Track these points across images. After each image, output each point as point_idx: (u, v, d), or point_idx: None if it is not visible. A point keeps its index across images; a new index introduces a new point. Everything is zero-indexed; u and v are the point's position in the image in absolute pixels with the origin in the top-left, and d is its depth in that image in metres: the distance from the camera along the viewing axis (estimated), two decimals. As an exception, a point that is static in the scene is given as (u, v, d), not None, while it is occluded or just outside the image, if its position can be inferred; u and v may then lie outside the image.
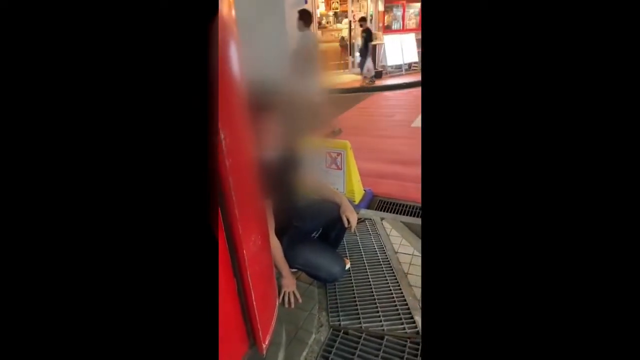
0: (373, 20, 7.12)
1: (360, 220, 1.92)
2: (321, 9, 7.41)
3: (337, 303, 1.37)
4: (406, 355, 1.13)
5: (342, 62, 7.38)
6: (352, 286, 1.46)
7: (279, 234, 1.28)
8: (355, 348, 1.17)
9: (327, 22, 7.68)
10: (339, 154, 2.02)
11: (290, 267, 1.41)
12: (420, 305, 1.34)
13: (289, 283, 1.35)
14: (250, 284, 0.85)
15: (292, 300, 1.34)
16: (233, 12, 0.67)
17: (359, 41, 6.84)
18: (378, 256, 1.64)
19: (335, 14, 7.72)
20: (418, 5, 7.17)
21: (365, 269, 1.56)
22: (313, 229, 1.51)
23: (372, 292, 1.42)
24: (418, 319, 1.27)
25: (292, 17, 3.18)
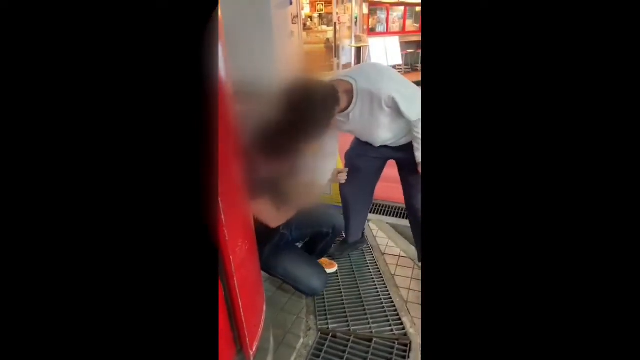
0: (358, 23, 7.16)
1: (347, 222, 1.92)
2: (306, 10, 7.41)
3: (325, 306, 1.36)
4: (394, 357, 1.13)
5: (328, 63, 7.40)
6: (340, 289, 1.46)
7: (264, 240, 1.25)
8: (344, 351, 1.16)
9: (313, 24, 7.68)
10: (325, 156, 2.01)
11: (272, 275, 1.37)
12: (407, 307, 1.35)
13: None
14: (237, 290, 0.83)
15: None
16: (219, 13, 0.66)
17: (344, 43, 6.87)
18: (365, 258, 1.65)
19: (320, 16, 7.73)
20: (402, 8, 7.26)
21: (353, 271, 1.56)
22: (299, 238, 1.47)
23: (360, 294, 1.42)
24: (406, 320, 1.28)
25: (278, 18, 3.17)
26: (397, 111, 1.12)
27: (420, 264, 1.58)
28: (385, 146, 1.31)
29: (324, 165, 1.22)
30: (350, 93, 1.06)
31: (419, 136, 1.16)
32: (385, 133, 1.22)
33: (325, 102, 0.96)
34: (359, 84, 1.06)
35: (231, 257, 0.79)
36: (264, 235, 1.23)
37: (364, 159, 1.40)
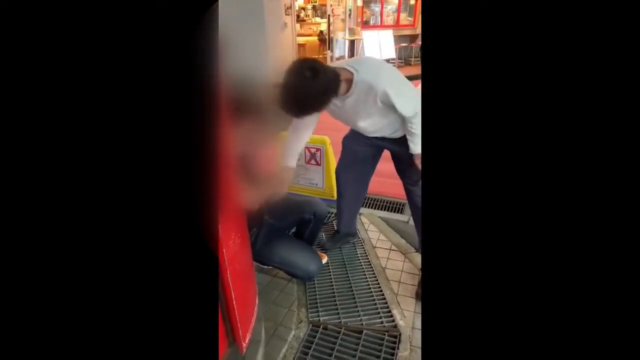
0: (352, 16, 7.11)
1: (339, 216, 1.93)
2: (300, 1, 7.31)
3: (316, 299, 1.38)
4: (384, 349, 1.15)
5: (321, 56, 7.34)
6: (331, 282, 1.47)
7: (254, 232, 1.26)
8: (335, 343, 1.18)
9: (306, 16, 7.59)
10: (318, 149, 2.01)
11: (267, 264, 1.39)
12: (397, 299, 1.38)
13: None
14: (230, 284, 0.83)
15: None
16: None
17: (338, 36, 6.82)
18: (356, 251, 1.66)
19: (314, 8, 7.65)
20: (396, 2, 7.21)
21: (344, 264, 1.58)
22: (288, 226, 1.49)
23: (351, 287, 1.44)
24: (396, 312, 1.30)
25: (271, 9, 3.13)
26: (388, 107, 1.17)
27: (416, 253, 1.62)
28: (382, 138, 1.36)
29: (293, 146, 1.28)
30: (350, 82, 1.13)
31: (414, 131, 1.23)
32: (370, 125, 1.27)
33: (327, 85, 1.04)
34: (360, 75, 1.12)
35: (224, 251, 0.79)
36: (253, 226, 1.23)
37: (362, 144, 1.44)
